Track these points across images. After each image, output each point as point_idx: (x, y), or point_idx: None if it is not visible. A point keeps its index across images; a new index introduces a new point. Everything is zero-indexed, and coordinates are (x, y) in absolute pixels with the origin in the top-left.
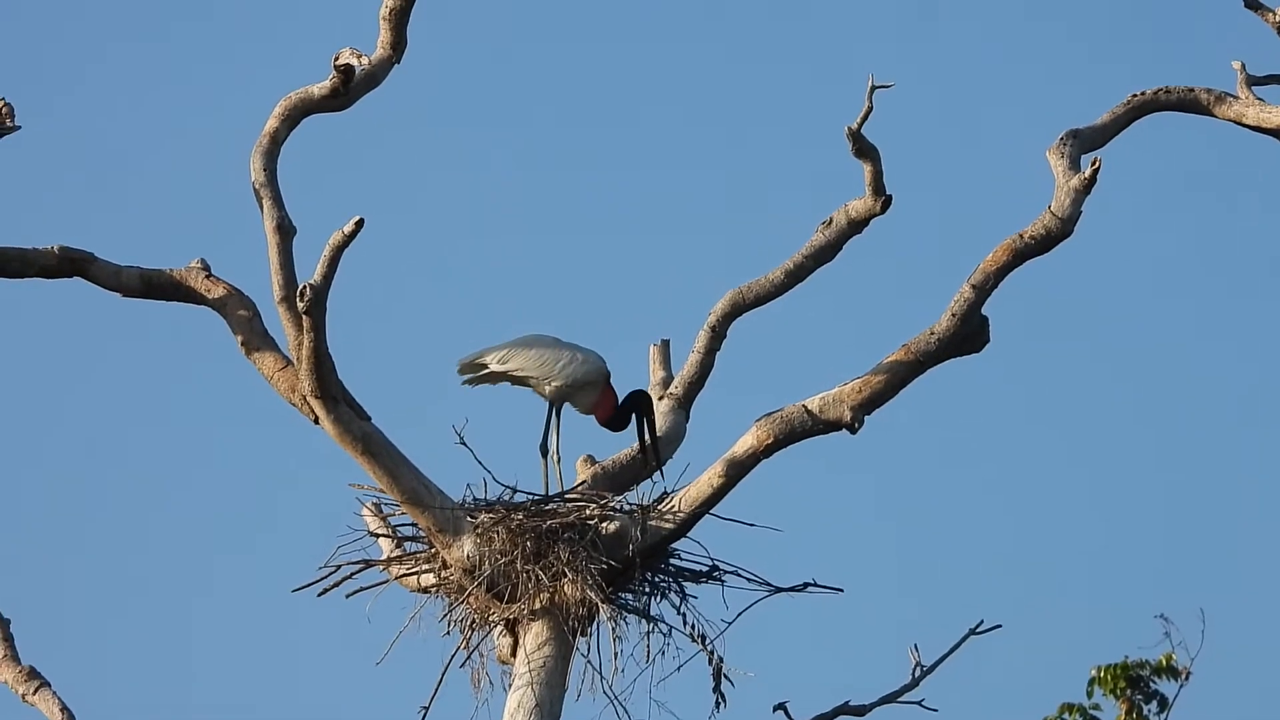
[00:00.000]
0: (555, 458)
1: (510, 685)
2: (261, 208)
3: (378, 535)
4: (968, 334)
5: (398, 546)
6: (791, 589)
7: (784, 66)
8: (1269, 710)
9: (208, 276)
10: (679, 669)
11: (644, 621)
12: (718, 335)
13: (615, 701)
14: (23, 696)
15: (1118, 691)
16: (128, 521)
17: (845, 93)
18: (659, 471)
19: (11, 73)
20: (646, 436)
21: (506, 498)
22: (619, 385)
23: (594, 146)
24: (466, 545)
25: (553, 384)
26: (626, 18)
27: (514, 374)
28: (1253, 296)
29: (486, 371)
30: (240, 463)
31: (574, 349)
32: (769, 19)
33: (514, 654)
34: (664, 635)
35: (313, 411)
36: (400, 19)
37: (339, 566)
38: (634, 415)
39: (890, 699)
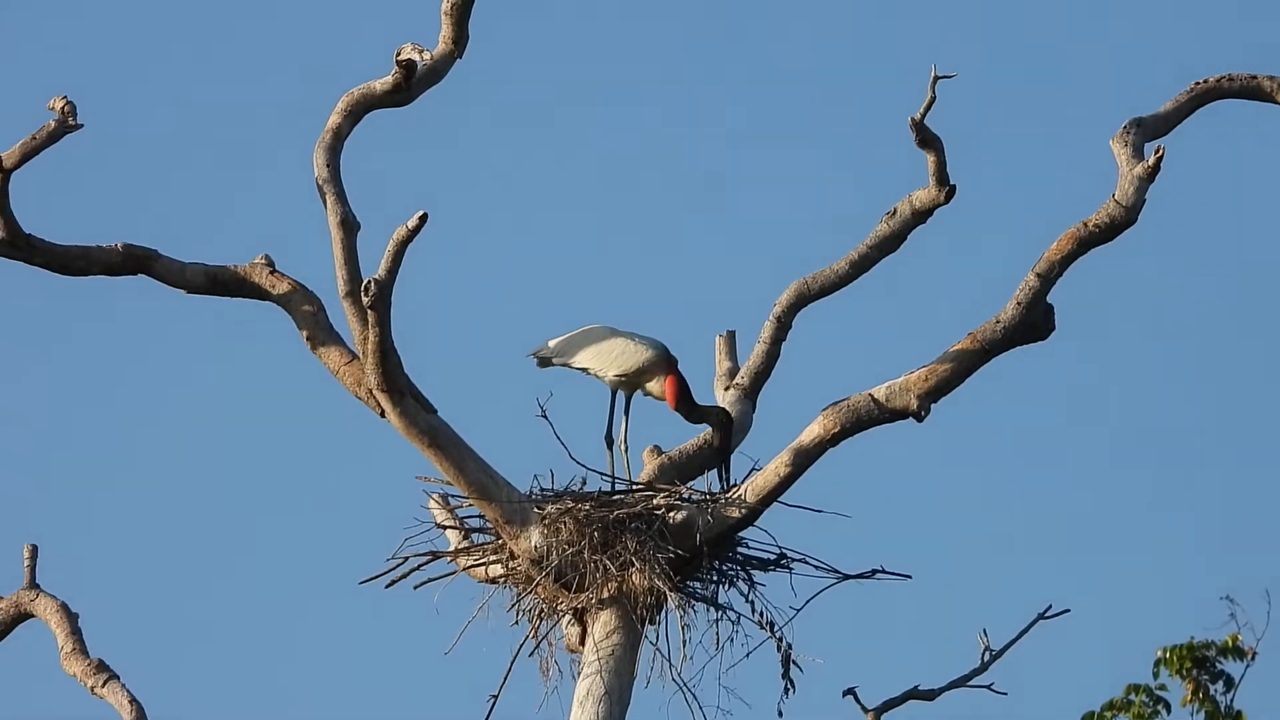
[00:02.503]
0: (622, 447)
1: (579, 673)
2: (325, 203)
3: (445, 527)
4: (1033, 322)
5: (465, 538)
6: (859, 576)
7: (846, 56)
8: None
9: (272, 272)
10: (747, 656)
11: (712, 609)
12: (783, 326)
13: (684, 689)
14: (91, 689)
15: (1184, 672)
16: (194, 515)
17: (908, 83)
18: (726, 482)
19: (73, 71)
20: (720, 455)
21: (575, 488)
22: (688, 376)
23: (656, 140)
24: (534, 536)
25: (610, 374)
26: (686, 7)
27: (572, 364)
28: None
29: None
30: (307, 457)
31: (630, 338)
32: (832, 11)
33: (582, 643)
34: (732, 623)
35: (379, 405)
36: (462, 14)
37: (407, 558)
38: (711, 428)
39: (959, 683)
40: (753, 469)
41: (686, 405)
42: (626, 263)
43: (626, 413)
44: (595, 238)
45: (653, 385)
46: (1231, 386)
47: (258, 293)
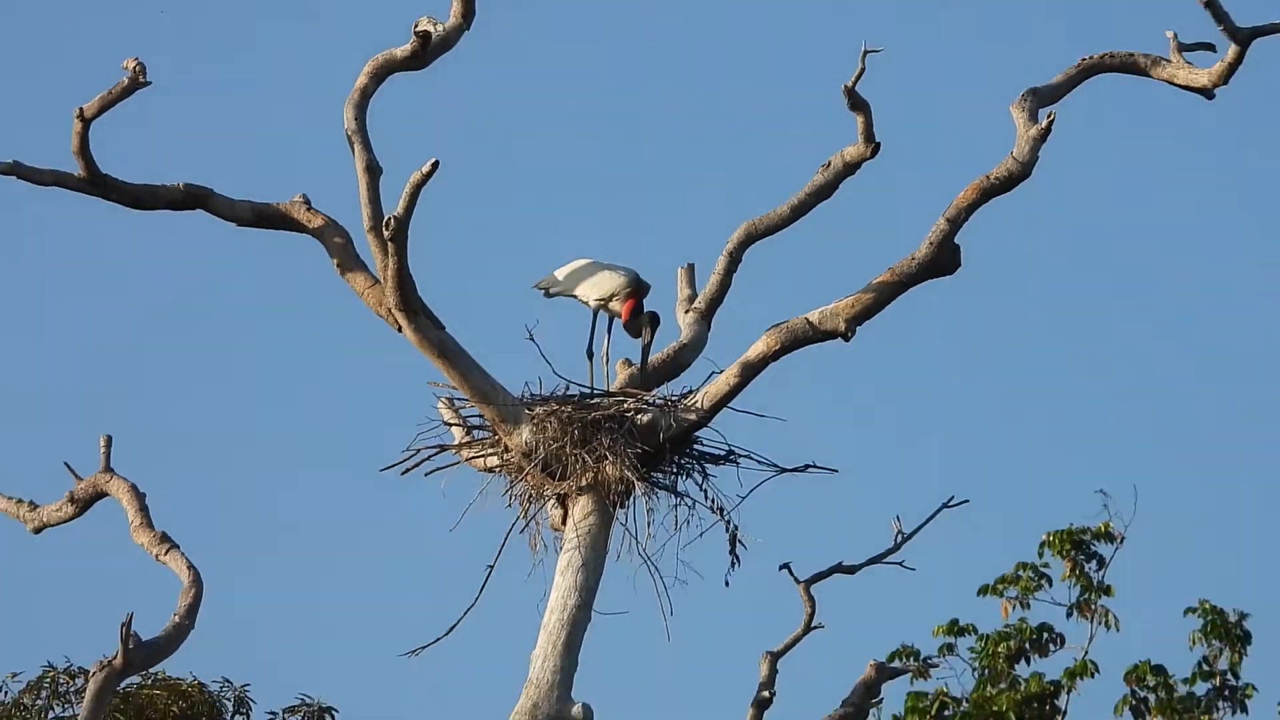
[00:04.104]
0: (603, 359)
1: (561, 548)
2: (353, 151)
3: (451, 425)
4: (943, 259)
5: (468, 434)
6: (794, 470)
7: (792, 37)
8: (1186, 567)
9: (308, 209)
10: (701, 535)
11: (672, 496)
12: (734, 260)
13: (648, 561)
14: (156, 557)
15: (1064, 553)
16: (248, 413)
17: (844, 56)
18: (643, 371)
19: (145, 37)
20: (647, 341)
21: (560, 393)
22: (654, 301)
23: (636, 106)
24: (525, 433)
25: (592, 297)
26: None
27: (565, 293)
28: (1180, 217)
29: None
30: (337, 364)
31: (610, 268)
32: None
33: (564, 523)
34: (689, 508)
35: (397, 322)
36: None
37: (419, 450)
38: (644, 328)
39: (876, 560)
40: (712, 374)
41: (634, 325)
42: (607, 206)
43: (609, 331)
44: (583, 189)
45: (615, 304)
46: (1106, 312)
47: (296, 226)
